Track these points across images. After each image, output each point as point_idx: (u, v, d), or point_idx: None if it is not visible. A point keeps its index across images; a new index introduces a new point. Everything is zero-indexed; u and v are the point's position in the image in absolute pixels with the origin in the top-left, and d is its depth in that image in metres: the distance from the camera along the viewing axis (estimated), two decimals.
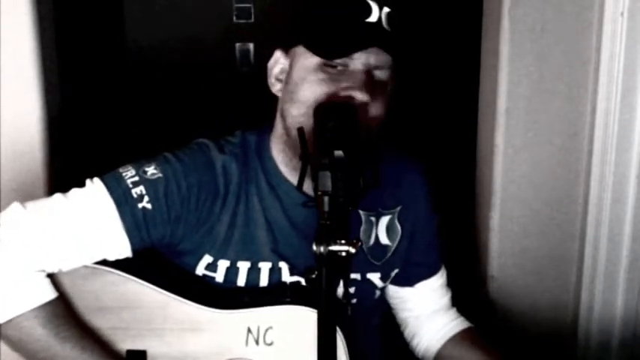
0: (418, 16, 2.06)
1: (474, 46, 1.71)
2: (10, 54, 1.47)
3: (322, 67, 1.13)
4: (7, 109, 1.49)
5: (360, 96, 1.10)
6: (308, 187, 1.05)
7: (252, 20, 2.19)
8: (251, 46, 2.21)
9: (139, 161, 1.19)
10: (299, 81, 1.15)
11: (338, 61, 1.12)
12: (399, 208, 1.31)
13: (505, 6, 1.52)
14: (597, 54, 1.55)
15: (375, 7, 1.13)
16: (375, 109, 1.13)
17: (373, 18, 1.13)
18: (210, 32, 2.20)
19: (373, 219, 1.28)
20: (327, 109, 1.07)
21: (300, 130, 1.08)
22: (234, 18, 2.19)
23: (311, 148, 1.03)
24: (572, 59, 1.56)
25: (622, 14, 1.48)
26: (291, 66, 1.18)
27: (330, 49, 1.12)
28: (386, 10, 1.14)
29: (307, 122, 1.11)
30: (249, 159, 1.23)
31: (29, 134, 1.51)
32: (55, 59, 1.57)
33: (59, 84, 1.60)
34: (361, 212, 1.27)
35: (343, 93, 1.11)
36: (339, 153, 0.95)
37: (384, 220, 1.29)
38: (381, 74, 1.15)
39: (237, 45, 2.21)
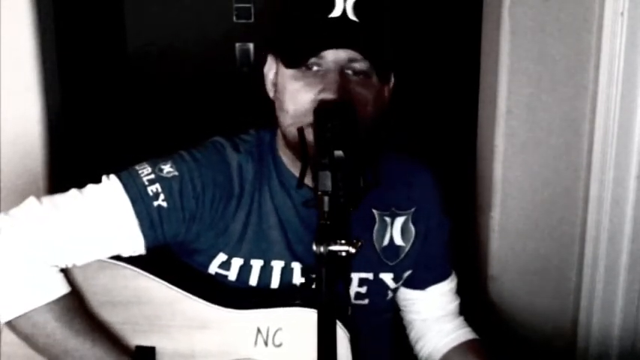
0: (418, 16, 2.06)
1: (474, 46, 1.71)
2: (10, 54, 1.47)
3: (296, 74, 1.11)
4: (7, 109, 1.49)
5: (331, 97, 1.07)
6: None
7: (252, 20, 2.19)
8: (251, 46, 2.21)
9: (154, 159, 1.18)
10: (282, 90, 1.14)
11: (308, 63, 1.09)
12: (413, 210, 1.30)
13: (505, 6, 1.52)
14: (597, 54, 1.55)
15: (338, 0, 1.08)
16: (363, 104, 1.10)
17: (337, 12, 1.08)
18: (210, 32, 2.20)
19: (388, 219, 1.28)
20: (326, 109, 1.05)
21: (300, 130, 1.08)
22: (234, 18, 2.19)
23: (311, 148, 1.02)
24: (572, 59, 1.56)
25: (622, 14, 1.48)
26: (276, 72, 1.17)
27: (292, 55, 1.10)
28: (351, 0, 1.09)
29: (296, 131, 1.09)
30: (264, 157, 1.22)
31: (29, 134, 1.51)
32: (55, 60, 1.57)
33: (59, 84, 1.60)
34: (375, 211, 1.26)
35: (319, 97, 1.08)
36: (339, 153, 0.94)
37: (399, 221, 1.28)
38: (360, 66, 1.10)
39: (237, 45, 2.21)
